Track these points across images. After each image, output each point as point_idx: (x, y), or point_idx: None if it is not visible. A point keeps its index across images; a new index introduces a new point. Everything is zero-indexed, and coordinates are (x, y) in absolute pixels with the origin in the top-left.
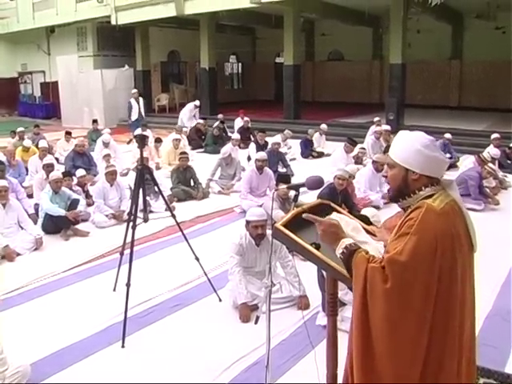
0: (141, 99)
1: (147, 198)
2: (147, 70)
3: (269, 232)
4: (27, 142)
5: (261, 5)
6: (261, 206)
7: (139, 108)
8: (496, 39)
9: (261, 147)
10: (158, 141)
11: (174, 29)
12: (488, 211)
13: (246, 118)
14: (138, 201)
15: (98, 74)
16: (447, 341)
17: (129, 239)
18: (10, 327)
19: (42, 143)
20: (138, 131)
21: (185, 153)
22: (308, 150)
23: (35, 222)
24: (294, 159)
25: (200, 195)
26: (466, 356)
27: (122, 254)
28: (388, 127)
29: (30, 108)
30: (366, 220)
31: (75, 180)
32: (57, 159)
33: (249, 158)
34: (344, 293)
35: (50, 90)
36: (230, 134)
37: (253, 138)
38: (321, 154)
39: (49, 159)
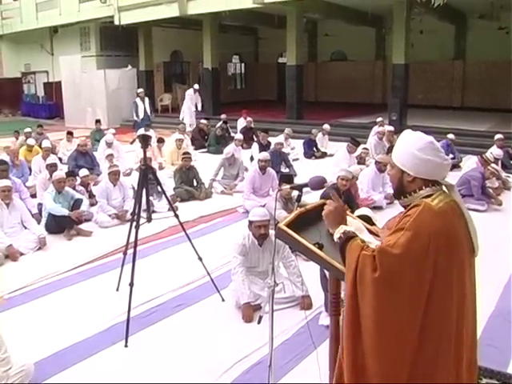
0: (146, 99)
1: (150, 197)
2: (150, 70)
3: (272, 232)
4: (31, 141)
5: (264, 5)
6: (264, 206)
7: (145, 108)
8: (499, 39)
9: (263, 147)
10: (161, 141)
11: (176, 29)
12: (491, 212)
13: (248, 119)
14: (142, 201)
15: (101, 74)
16: (442, 340)
17: (132, 239)
18: (13, 326)
19: (46, 143)
20: (141, 131)
21: (188, 153)
22: (311, 151)
23: (38, 222)
24: (297, 159)
25: (203, 195)
26: (467, 356)
27: (125, 253)
28: (391, 127)
29: (33, 108)
30: (368, 220)
31: (78, 180)
32: (60, 159)
33: (251, 158)
34: None
35: (53, 89)
36: (232, 134)
37: (255, 138)
38: (324, 155)
39: (52, 159)
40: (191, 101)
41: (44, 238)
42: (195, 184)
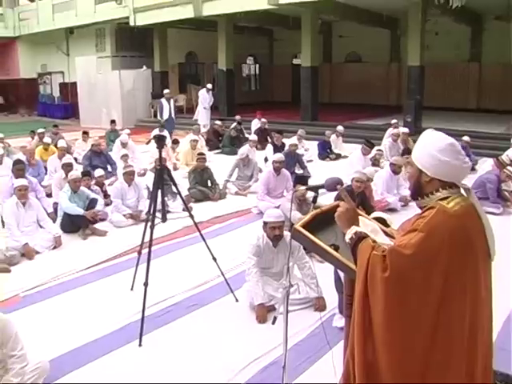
0: (171, 100)
1: (165, 198)
2: (165, 71)
3: (286, 233)
4: (47, 140)
5: (279, 6)
6: (278, 207)
7: (170, 109)
8: None
9: (278, 148)
10: (176, 142)
11: (191, 30)
12: (506, 214)
13: (263, 120)
14: (157, 201)
15: (116, 75)
16: (454, 342)
17: (147, 239)
18: (29, 324)
19: (61, 143)
20: (156, 132)
21: (202, 153)
22: (325, 152)
23: (54, 221)
24: (311, 161)
25: (217, 196)
26: (482, 360)
27: (139, 253)
28: (406, 129)
29: (48, 108)
30: (383, 222)
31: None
32: (75, 159)
33: (266, 160)
34: None
35: (69, 90)
36: (247, 136)
37: (270, 140)
38: (338, 156)
39: (67, 159)
40: (204, 100)
41: (59, 236)
42: (209, 185)
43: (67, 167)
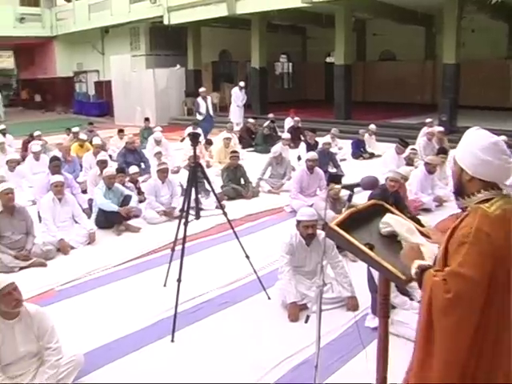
0: (209, 98)
1: (198, 195)
2: (198, 70)
3: (319, 232)
4: (83, 136)
5: (312, 4)
6: (311, 205)
7: (207, 107)
8: None
9: (311, 147)
10: (209, 143)
11: (225, 28)
12: None
13: (296, 118)
14: (191, 198)
15: (150, 73)
16: (495, 352)
17: (180, 235)
18: (64, 318)
19: (96, 140)
20: (190, 129)
21: (236, 151)
22: (359, 151)
23: (89, 217)
24: (345, 160)
25: (250, 194)
26: None
27: (173, 250)
28: (441, 128)
29: (84, 106)
30: (418, 222)
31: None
32: (110, 156)
33: (299, 158)
34: (394, 295)
35: (104, 88)
36: (279, 134)
37: (303, 138)
38: (371, 155)
39: (102, 156)
40: (237, 98)
41: (94, 232)
42: (242, 183)
43: (102, 164)
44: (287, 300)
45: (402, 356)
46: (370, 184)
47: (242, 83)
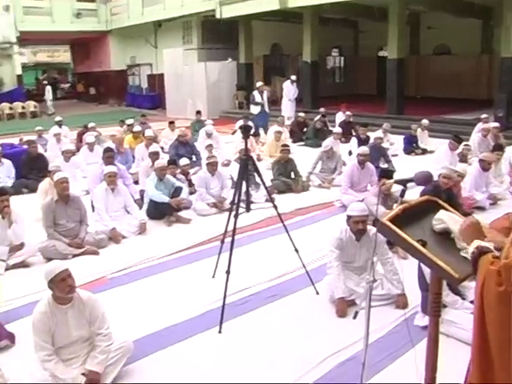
0: (265, 93)
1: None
2: (250, 63)
3: (370, 227)
4: (137, 128)
5: None
6: (361, 200)
7: (262, 101)
8: None
9: (362, 142)
10: (257, 135)
11: (277, 22)
12: None
13: (347, 112)
14: (242, 190)
15: (202, 67)
16: None
17: (230, 228)
18: (114, 305)
19: (148, 132)
20: (240, 123)
21: (287, 145)
22: (411, 147)
23: (140, 208)
24: (396, 155)
25: (300, 188)
26: None
27: (222, 241)
28: (497, 124)
29: (136, 99)
30: None
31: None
32: (161, 148)
33: (350, 153)
34: (445, 294)
35: (156, 81)
36: (330, 128)
37: (354, 133)
38: (424, 151)
39: (154, 148)
40: (289, 92)
41: (145, 223)
42: (293, 176)
43: (154, 156)
44: (335, 295)
45: (451, 356)
46: (424, 179)
47: (293, 77)
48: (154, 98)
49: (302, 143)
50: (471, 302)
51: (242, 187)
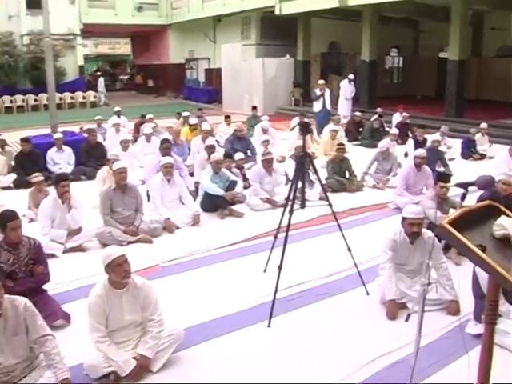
0: (327, 90)
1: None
2: (307, 60)
3: (424, 231)
4: (193, 121)
5: None
6: (417, 203)
7: (324, 100)
8: None
9: (419, 144)
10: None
11: (335, 20)
12: None
13: (404, 114)
14: (297, 187)
15: (260, 63)
16: None
17: (284, 223)
18: (167, 293)
19: (205, 126)
20: (296, 120)
21: (342, 144)
22: (469, 151)
23: (194, 199)
24: (453, 159)
25: (354, 187)
26: None
27: (275, 237)
28: None
29: (193, 92)
30: None
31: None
32: (217, 141)
33: (406, 155)
34: (500, 303)
35: (214, 76)
36: (387, 129)
37: (411, 134)
38: (482, 156)
39: (211, 141)
40: (346, 91)
41: (199, 214)
42: (347, 176)
43: (210, 149)
44: (386, 297)
45: (504, 368)
46: (486, 183)
47: (351, 76)
48: (210, 92)
49: (358, 143)
50: None
51: (297, 184)
